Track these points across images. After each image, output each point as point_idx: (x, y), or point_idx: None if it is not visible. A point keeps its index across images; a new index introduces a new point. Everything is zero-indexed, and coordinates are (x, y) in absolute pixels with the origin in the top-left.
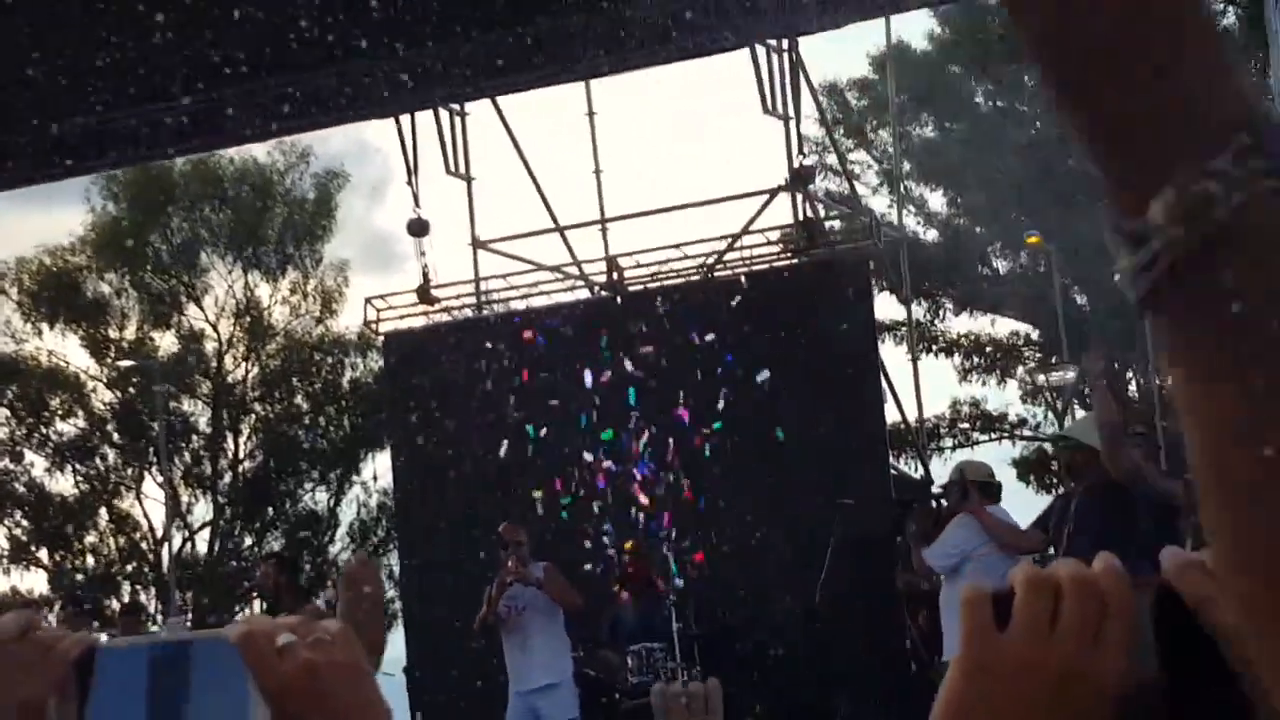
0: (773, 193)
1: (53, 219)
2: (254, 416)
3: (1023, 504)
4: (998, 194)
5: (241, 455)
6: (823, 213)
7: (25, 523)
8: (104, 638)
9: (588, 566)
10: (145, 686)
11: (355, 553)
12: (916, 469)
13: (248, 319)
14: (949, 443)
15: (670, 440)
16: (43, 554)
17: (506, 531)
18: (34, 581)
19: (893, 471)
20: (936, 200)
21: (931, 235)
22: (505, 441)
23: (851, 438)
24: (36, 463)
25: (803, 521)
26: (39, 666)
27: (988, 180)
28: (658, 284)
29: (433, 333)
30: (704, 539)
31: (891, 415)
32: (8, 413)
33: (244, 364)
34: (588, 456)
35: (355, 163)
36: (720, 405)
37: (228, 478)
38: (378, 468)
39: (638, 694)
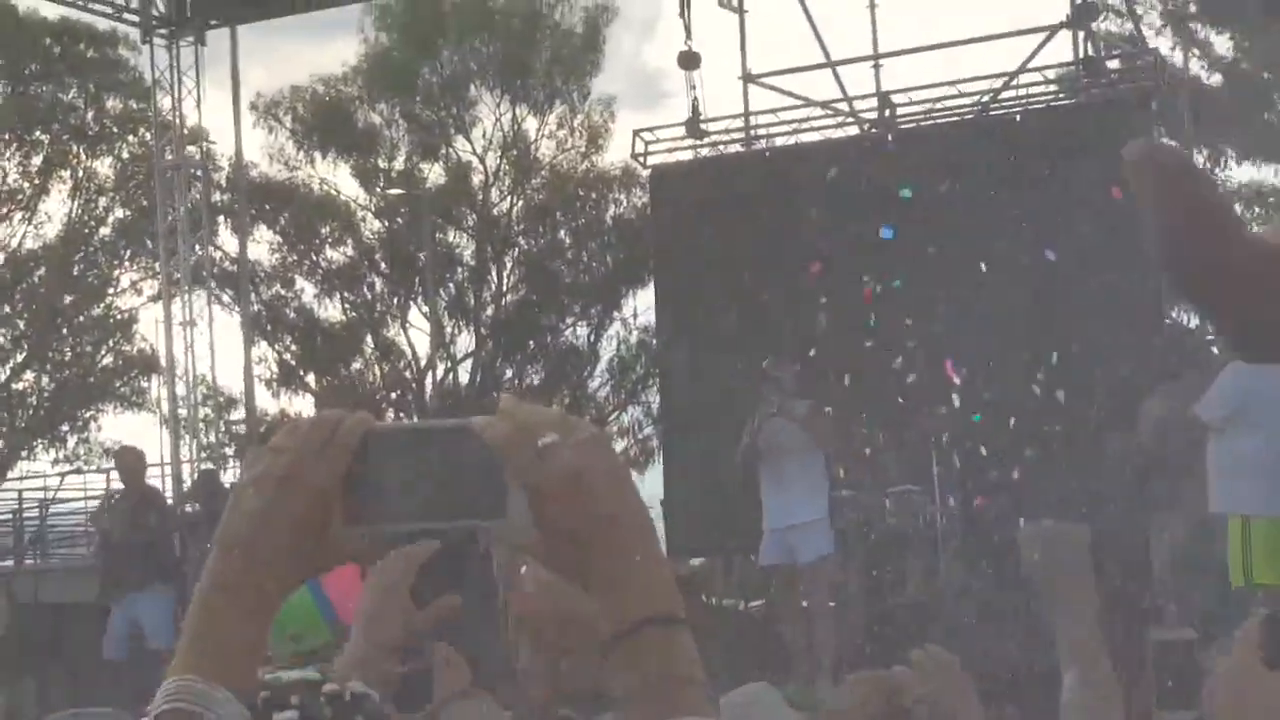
0: (1053, 29)
1: (327, 49)
2: (517, 250)
3: None
4: None
5: (504, 288)
6: (1104, 52)
7: (294, 347)
8: None
9: (850, 408)
10: (409, 464)
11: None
12: (1191, 321)
13: (514, 152)
14: None
15: (934, 283)
16: (310, 378)
17: (772, 366)
18: (301, 405)
19: (1167, 322)
20: (1223, 43)
21: (1216, 80)
22: (770, 277)
23: (1125, 285)
24: (306, 289)
25: (1071, 369)
26: (329, 448)
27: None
28: (931, 122)
29: (700, 167)
30: (969, 383)
31: None
32: (280, 239)
33: (509, 197)
34: (852, 296)
35: None
36: (991, 248)
37: (490, 310)
38: (638, 304)
39: (894, 537)
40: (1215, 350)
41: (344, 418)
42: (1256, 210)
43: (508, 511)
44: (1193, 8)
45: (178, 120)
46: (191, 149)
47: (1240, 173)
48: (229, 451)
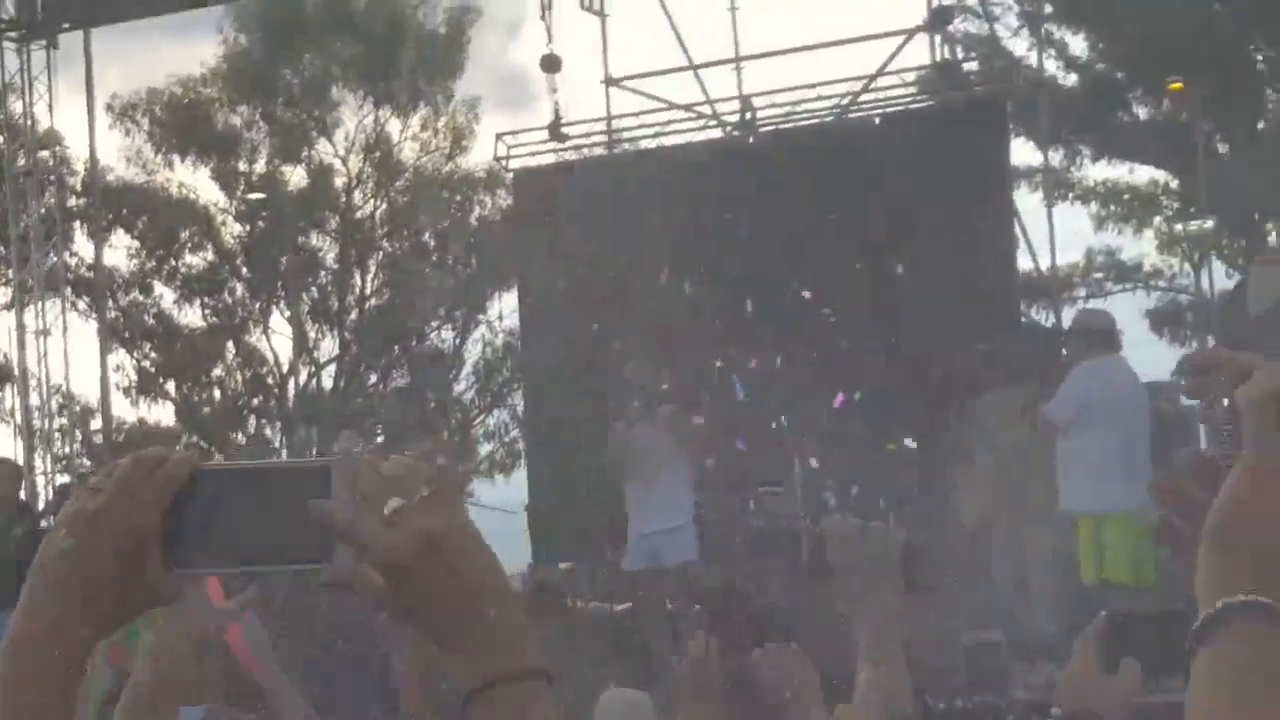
0: (911, 33)
1: (185, 50)
2: (381, 253)
3: (1155, 356)
4: (1142, 38)
5: (368, 292)
6: (961, 55)
7: (154, 354)
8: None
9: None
10: (233, 506)
11: None
12: (1049, 318)
13: (377, 154)
14: (1082, 292)
15: (794, 283)
16: (170, 386)
17: (634, 371)
18: (162, 413)
19: (1023, 320)
20: (1079, 44)
21: (1072, 80)
22: (632, 281)
23: (982, 284)
24: (165, 295)
25: (929, 367)
26: (147, 488)
27: (1133, 23)
28: (791, 124)
29: (563, 171)
30: (825, 383)
31: (1024, 263)
32: (138, 244)
33: (372, 200)
34: (714, 297)
35: None
36: (850, 247)
37: (354, 314)
38: (504, 307)
39: (759, 538)
40: (1064, 352)
41: (165, 457)
42: (1112, 208)
43: (335, 555)
44: (1048, 8)
45: (29, 124)
46: (45, 154)
47: (1095, 171)
48: (86, 462)
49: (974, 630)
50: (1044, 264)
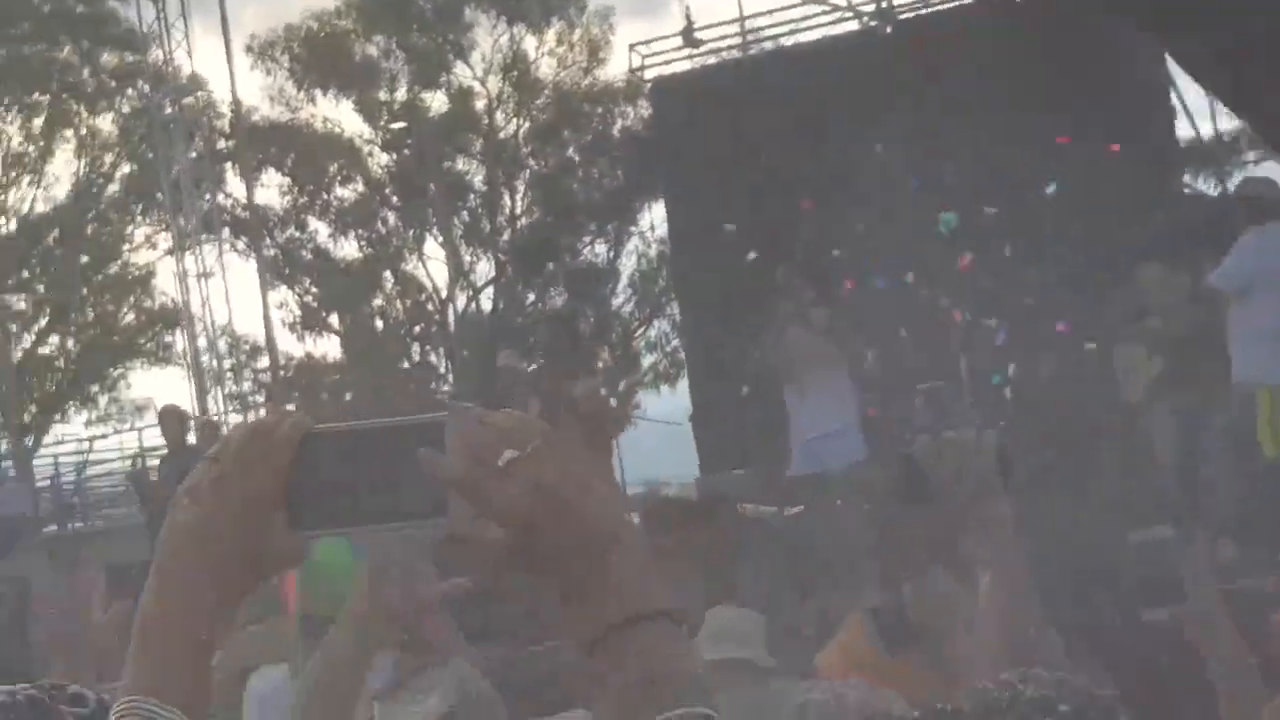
0: None
1: None
2: (528, 172)
3: None
4: None
5: (518, 212)
6: None
7: (314, 289)
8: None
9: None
10: (349, 466)
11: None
12: (1215, 187)
13: (515, 73)
14: (1251, 156)
15: (944, 172)
16: (333, 319)
17: (783, 276)
18: (327, 346)
19: (1186, 190)
20: None
21: None
22: (777, 182)
23: (1140, 155)
24: (320, 229)
25: (1089, 244)
26: (264, 454)
27: None
28: (930, 10)
29: (700, 76)
30: (987, 267)
31: (1184, 131)
32: (289, 181)
33: (515, 119)
34: (862, 196)
35: None
36: (999, 131)
37: (506, 235)
38: (654, 217)
39: (927, 435)
40: (1230, 222)
41: (281, 422)
42: None
43: (449, 510)
44: None
45: (170, 71)
46: (189, 99)
47: None
48: (260, 399)
49: (1143, 528)
50: (1206, 131)
